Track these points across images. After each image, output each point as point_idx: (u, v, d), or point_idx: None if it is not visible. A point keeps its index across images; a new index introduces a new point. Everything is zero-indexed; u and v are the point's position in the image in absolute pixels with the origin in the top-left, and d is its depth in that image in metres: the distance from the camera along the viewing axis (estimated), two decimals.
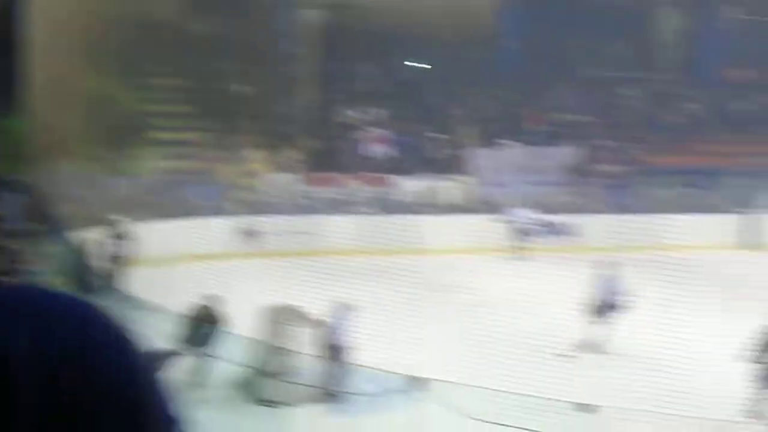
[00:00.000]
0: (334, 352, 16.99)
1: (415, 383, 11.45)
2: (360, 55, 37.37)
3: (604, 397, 16.25)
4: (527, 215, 31.64)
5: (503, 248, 31.30)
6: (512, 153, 36.04)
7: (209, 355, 16.10)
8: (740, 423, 16.11)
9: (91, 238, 25.13)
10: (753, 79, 42.43)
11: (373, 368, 16.52)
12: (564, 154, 36.66)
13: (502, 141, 36.27)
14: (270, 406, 15.84)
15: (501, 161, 35.72)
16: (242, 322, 16.83)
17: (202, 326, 16.10)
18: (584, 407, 11.39)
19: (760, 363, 16.26)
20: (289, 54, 36.74)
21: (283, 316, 17.85)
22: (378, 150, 35.00)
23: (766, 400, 16.24)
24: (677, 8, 42.88)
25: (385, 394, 15.15)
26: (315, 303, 18.78)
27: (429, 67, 39.20)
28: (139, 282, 22.95)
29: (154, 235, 26.92)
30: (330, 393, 16.80)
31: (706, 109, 41.18)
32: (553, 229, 33.39)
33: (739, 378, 17.73)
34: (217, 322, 16.33)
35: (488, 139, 36.42)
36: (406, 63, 39.20)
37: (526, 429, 12.23)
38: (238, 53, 34.33)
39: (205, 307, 16.40)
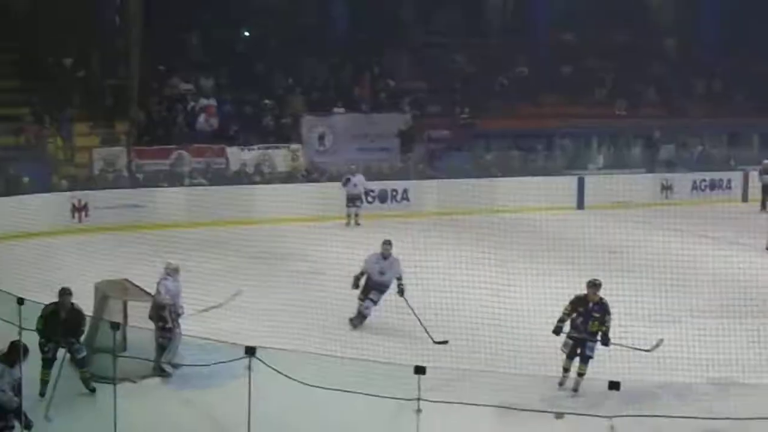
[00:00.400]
0: (165, 324, 16.75)
1: (248, 352, 11.34)
2: (188, 24, 36.94)
3: (440, 359, 16.45)
4: (358, 183, 31.64)
5: (335, 216, 31.33)
6: (343, 120, 36.05)
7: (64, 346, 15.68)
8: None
9: None
10: (581, 42, 43.31)
11: (205, 339, 16.39)
12: (395, 120, 36.77)
13: (333, 108, 36.23)
14: (103, 382, 15.54)
15: (332, 129, 35.71)
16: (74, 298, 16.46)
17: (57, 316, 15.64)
18: (420, 369, 11.45)
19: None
20: (116, 26, 36.09)
21: (115, 290, 17.54)
22: (208, 120, 34.61)
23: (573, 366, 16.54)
24: None
25: (219, 364, 15.01)
26: (147, 276, 18.53)
27: (257, 34, 38.85)
28: None
29: None
30: (163, 366, 16.59)
31: (536, 72, 41.76)
32: (384, 196, 33.56)
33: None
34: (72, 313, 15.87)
35: (319, 107, 36.34)
36: (235, 31, 38.80)
37: (359, 392, 12.28)
38: (64, 26, 33.60)
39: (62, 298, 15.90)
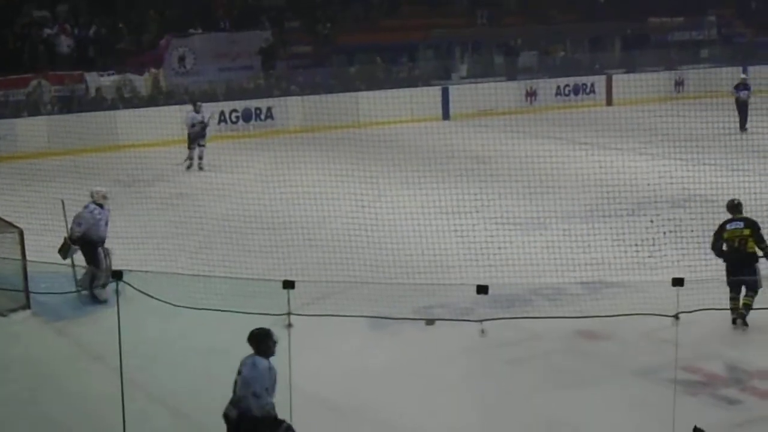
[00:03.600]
0: (28, 254, 16.46)
1: (115, 276, 11.22)
2: None
3: (311, 274, 16.49)
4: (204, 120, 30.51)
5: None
6: (203, 40, 35.61)
7: None
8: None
9: None
10: None
11: (74, 266, 16.21)
12: (255, 37, 36.45)
13: (191, 29, 35.74)
14: None
15: (192, 49, 35.24)
16: None
17: None
18: (288, 284, 11.49)
19: None
20: None
21: None
22: (65, 46, 33.87)
23: None
24: None
25: (89, 291, 14.91)
26: (9, 207, 18.23)
27: None
28: None
29: None
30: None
31: None
32: (248, 114, 33.32)
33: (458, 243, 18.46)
34: None
35: (177, 28, 35.81)
36: None
37: (228, 311, 12.29)
38: None
39: None
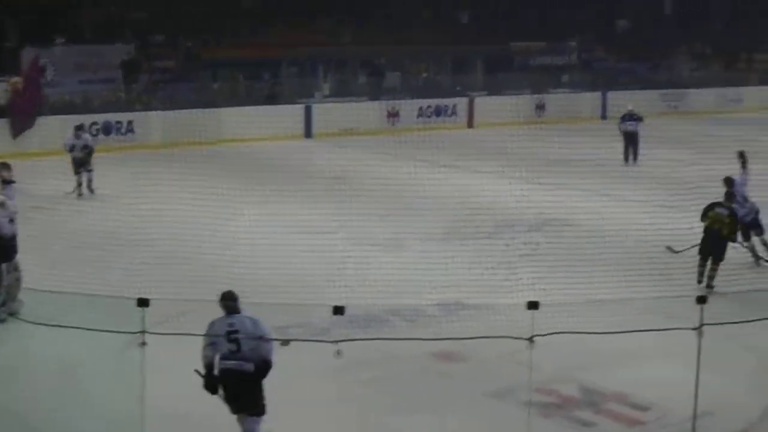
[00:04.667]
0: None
1: None
2: None
3: (166, 291, 16.25)
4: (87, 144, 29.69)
5: (59, 151, 30.47)
6: (65, 51, 34.99)
7: None
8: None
9: None
10: None
11: None
12: (118, 50, 35.97)
13: (56, 39, 35.11)
14: None
15: (53, 60, 34.58)
16: None
17: None
18: (143, 302, 11.33)
19: None
20: None
21: None
22: None
23: None
24: None
25: None
26: None
27: None
28: None
29: None
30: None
31: (264, 1, 41.58)
32: (109, 128, 32.84)
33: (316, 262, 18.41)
34: None
35: (38, 38, 35.10)
36: None
37: (81, 328, 12.10)
38: None
39: None
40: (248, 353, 11.60)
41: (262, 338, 11.63)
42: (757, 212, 19.83)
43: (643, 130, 31.79)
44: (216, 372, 11.68)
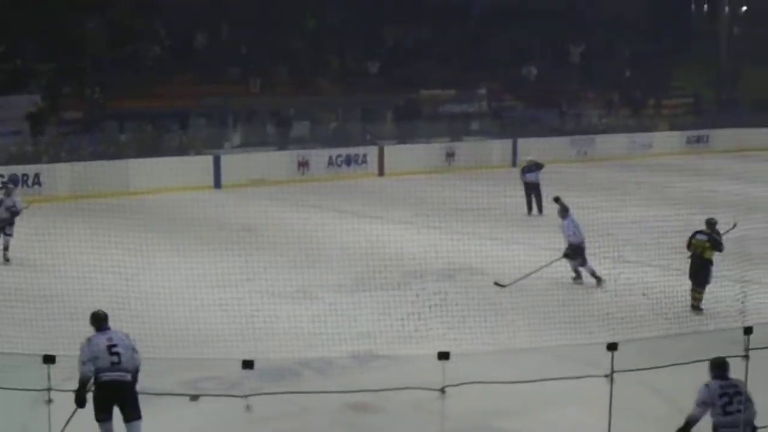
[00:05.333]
0: None
1: None
2: None
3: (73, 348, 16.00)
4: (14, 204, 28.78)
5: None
6: None
7: None
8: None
9: None
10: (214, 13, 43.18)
11: None
12: (23, 102, 35.58)
13: None
14: None
15: None
16: None
17: None
18: (49, 358, 11.18)
19: None
20: None
21: None
22: None
23: None
24: None
25: None
26: None
27: None
28: None
29: None
30: None
31: (170, 50, 41.45)
32: (15, 181, 32.28)
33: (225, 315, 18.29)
34: None
35: None
36: None
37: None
38: None
39: None
40: (126, 364, 12.48)
41: (134, 350, 12.75)
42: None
43: (543, 178, 31.09)
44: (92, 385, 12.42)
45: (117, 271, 19.31)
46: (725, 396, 11.79)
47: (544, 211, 29.00)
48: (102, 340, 12.66)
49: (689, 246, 20.03)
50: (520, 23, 50.30)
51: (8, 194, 24.82)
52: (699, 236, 20.02)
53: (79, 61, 38.65)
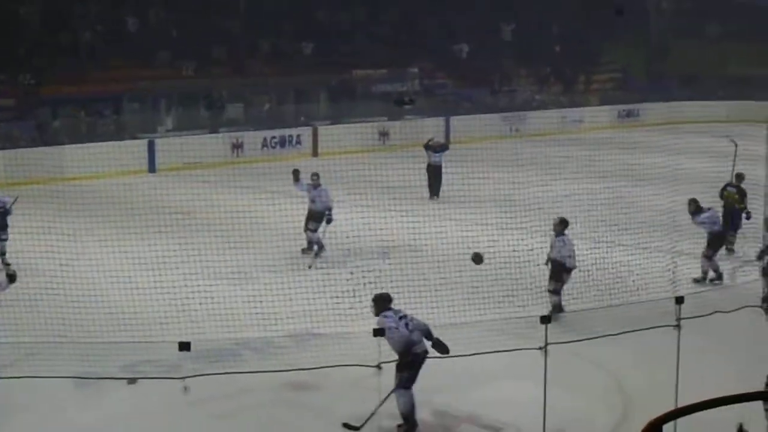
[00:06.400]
0: None
1: None
2: None
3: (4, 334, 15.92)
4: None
5: None
6: None
7: None
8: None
9: None
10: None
11: None
12: None
13: None
14: None
15: None
16: None
17: None
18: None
19: None
20: None
21: None
22: None
23: None
24: None
25: None
26: None
27: None
28: None
29: None
30: None
31: (102, 35, 41.11)
32: None
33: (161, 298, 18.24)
34: None
35: None
36: None
37: None
38: None
39: None
40: None
41: None
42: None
43: (446, 161, 30.44)
44: None
45: (52, 257, 19.15)
46: None
47: (441, 195, 29.21)
48: None
49: (722, 197, 22.96)
50: (450, 1, 50.38)
51: None
52: (729, 188, 23.15)
53: (12, 48, 38.17)
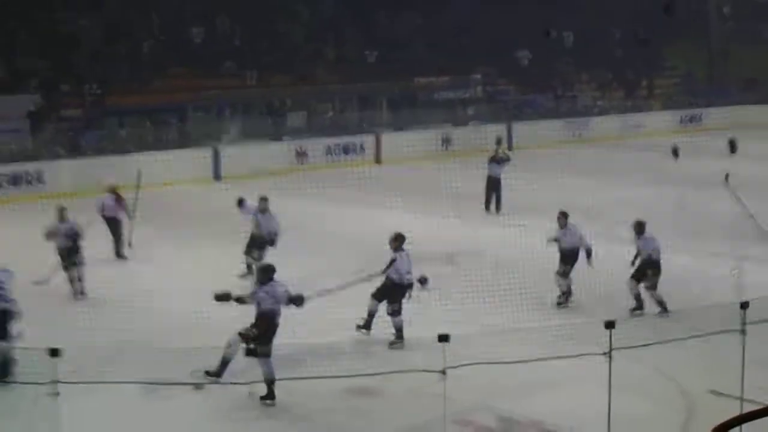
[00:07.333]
0: None
1: None
2: None
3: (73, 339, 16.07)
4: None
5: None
6: None
7: None
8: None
9: None
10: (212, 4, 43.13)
11: None
12: (23, 101, 35.57)
13: None
14: None
15: None
16: None
17: None
18: (54, 352, 11.29)
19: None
20: None
21: None
22: None
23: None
24: None
25: None
26: None
27: None
28: None
29: None
30: None
31: (166, 45, 41.46)
32: (17, 179, 32.42)
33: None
34: None
35: None
36: None
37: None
38: None
39: None
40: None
41: None
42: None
43: (505, 173, 29.59)
44: None
45: (126, 265, 19.31)
46: None
47: (502, 209, 28.70)
48: None
49: None
50: (510, 8, 50.32)
51: (63, 219, 21.07)
52: None
53: (76, 59, 38.64)
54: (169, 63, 40.40)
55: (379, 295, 17.59)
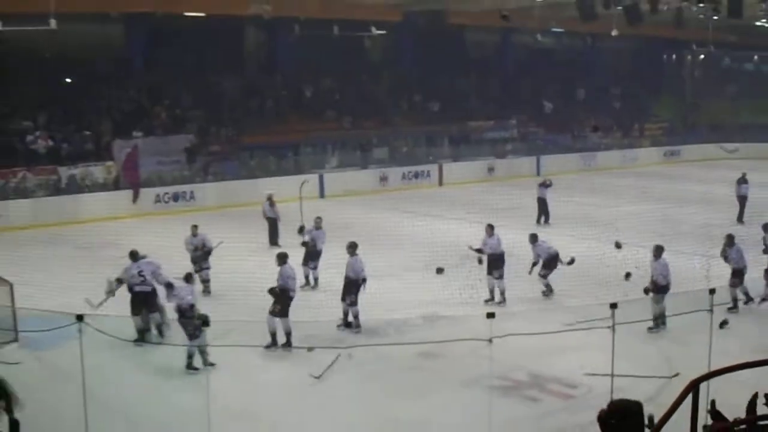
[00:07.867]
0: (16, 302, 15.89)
1: (78, 319, 10.89)
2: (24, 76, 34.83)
3: (219, 312, 16.12)
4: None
5: (141, 213, 30.68)
6: (144, 141, 34.83)
7: None
8: None
9: None
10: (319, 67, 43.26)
11: (45, 311, 15.45)
12: (182, 140, 35.99)
13: (133, 132, 35.10)
14: None
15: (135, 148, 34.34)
16: None
17: None
18: (205, 322, 11.46)
19: None
20: None
21: None
22: (43, 146, 32.91)
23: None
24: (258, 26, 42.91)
25: (58, 329, 14.36)
26: (2, 267, 17.84)
27: (74, 80, 37.30)
28: None
29: None
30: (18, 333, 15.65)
31: (285, 99, 41.78)
32: (177, 196, 32.82)
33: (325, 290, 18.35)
34: None
35: (123, 131, 35.10)
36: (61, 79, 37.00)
37: (164, 344, 12.23)
38: None
39: None
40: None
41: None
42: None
43: (550, 193, 28.64)
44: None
45: (257, 261, 19.07)
46: None
47: (551, 221, 27.88)
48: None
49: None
50: (538, 72, 50.16)
51: (194, 234, 20.20)
52: None
53: (220, 109, 39.11)
54: (287, 111, 40.68)
55: (343, 295, 16.57)
